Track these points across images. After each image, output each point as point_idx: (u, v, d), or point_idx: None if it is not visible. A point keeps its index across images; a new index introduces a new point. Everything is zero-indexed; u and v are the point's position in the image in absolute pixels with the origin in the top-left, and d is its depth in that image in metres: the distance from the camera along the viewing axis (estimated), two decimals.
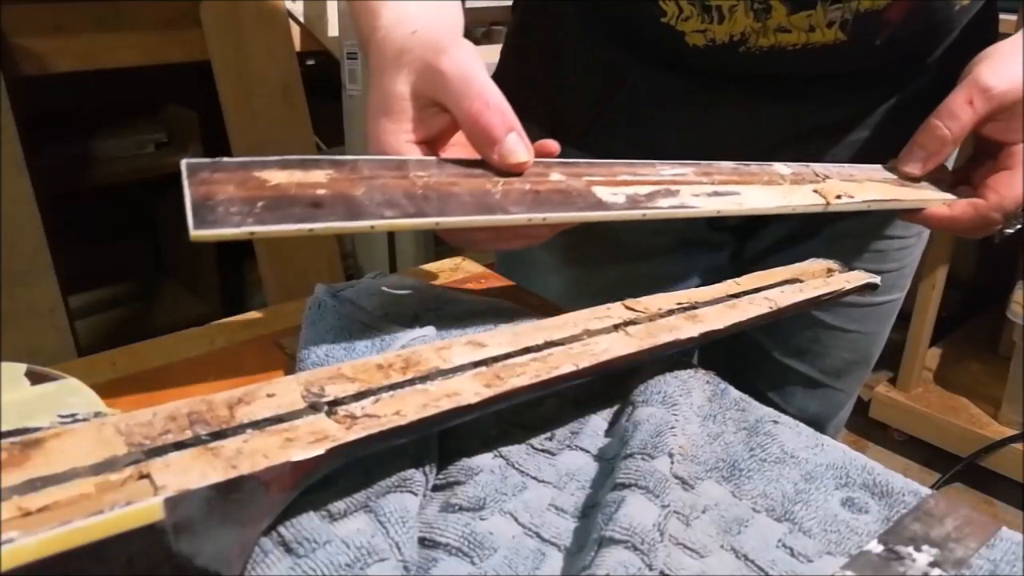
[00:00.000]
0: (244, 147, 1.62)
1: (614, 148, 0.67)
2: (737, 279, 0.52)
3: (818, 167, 0.58)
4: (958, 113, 0.55)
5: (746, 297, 0.49)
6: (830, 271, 0.56)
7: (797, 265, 0.56)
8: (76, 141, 1.74)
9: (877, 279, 0.56)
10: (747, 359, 0.76)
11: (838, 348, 0.76)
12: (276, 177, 0.39)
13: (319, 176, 0.41)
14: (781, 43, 0.58)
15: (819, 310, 0.72)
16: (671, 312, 0.46)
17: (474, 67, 0.46)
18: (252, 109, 1.64)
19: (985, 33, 0.66)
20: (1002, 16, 0.71)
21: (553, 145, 0.49)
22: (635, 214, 0.47)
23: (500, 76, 0.76)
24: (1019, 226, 0.57)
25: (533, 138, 0.71)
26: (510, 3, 0.76)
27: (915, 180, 0.59)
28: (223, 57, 1.59)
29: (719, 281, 0.51)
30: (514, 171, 0.45)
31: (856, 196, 0.55)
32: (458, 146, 0.50)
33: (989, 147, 0.58)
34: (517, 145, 0.45)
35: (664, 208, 0.48)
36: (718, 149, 0.64)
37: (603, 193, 0.47)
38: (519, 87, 0.74)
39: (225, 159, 0.39)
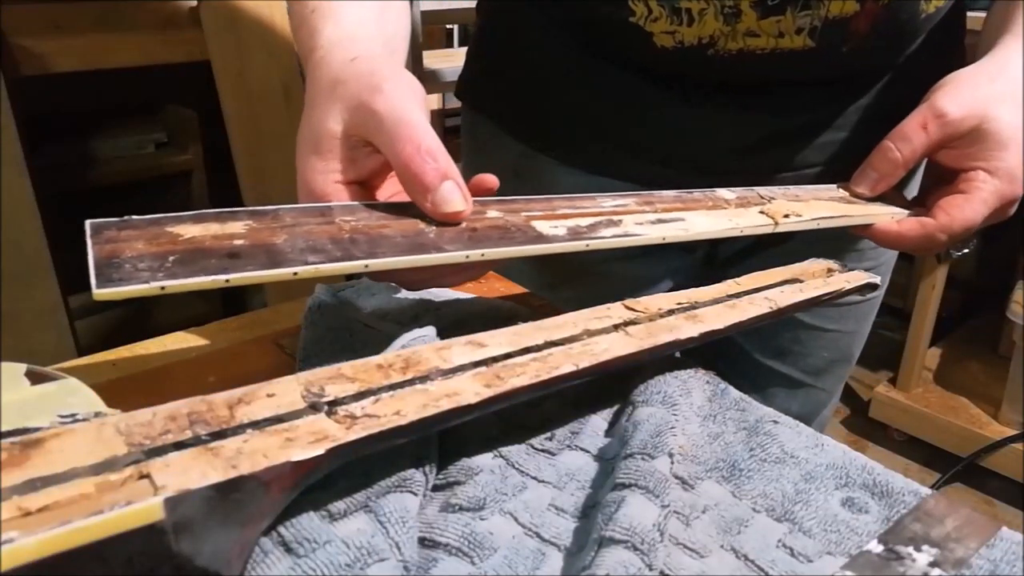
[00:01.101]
0: (244, 147, 1.62)
1: (582, 148, 0.68)
2: (737, 279, 0.52)
3: (762, 190, 0.58)
4: (911, 137, 0.55)
5: (746, 297, 0.49)
6: (830, 271, 0.56)
7: (796, 265, 0.56)
8: (76, 141, 1.73)
9: (877, 279, 0.56)
10: (727, 361, 0.77)
11: (819, 348, 0.77)
12: (190, 231, 0.38)
13: (236, 227, 0.39)
14: (750, 47, 0.59)
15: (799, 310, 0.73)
16: (671, 312, 0.46)
17: (408, 108, 0.43)
18: (252, 109, 1.63)
19: (953, 33, 0.67)
20: (970, 14, 0.71)
21: (491, 180, 0.47)
22: (577, 245, 0.45)
23: (466, 78, 0.76)
24: (967, 249, 0.59)
25: (502, 144, 0.71)
26: (469, 5, 0.76)
27: (865, 200, 0.59)
28: (223, 57, 1.59)
29: (691, 285, 0.51)
30: (449, 220, 0.43)
31: (804, 215, 0.55)
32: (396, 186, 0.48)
33: (943, 173, 0.58)
34: (452, 193, 0.42)
35: (607, 238, 0.47)
36: (687, 151, 0.65)
37: (543, 227, 0.45)
38: (485, 87, 0.74)
39: (135, 217, 0.38)
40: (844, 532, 0.37)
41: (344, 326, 0.51)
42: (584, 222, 0.47)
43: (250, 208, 0.41)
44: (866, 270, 0.72)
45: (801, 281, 0.53)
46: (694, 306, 0.47)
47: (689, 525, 0.37)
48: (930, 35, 0.64)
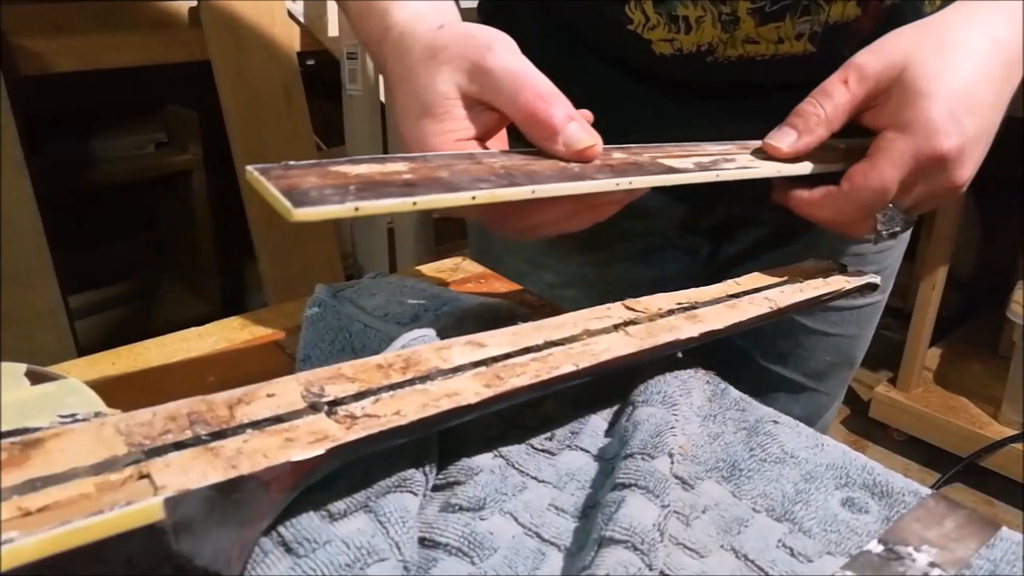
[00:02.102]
0: (244, 147, 1.62)
1: None
2: (737, 279, 0.52)
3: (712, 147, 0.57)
4: (831, 92, 0.51)
5: (746, 297, 0.49)
6: (830, 271, 0.56)
7: (796, 265, 0.56)
8: (76, 141, 1.74)
9: (877, 279, 0.56)
10: (728, 364, 0.77)
11: (820, 352, 0.76)
12: (355, 170, 0.38)
13: (398, 167, 0.40)
14: (749, 53, 0.58)
15: (801, 314, 0.72)
16: (671, 312, 0.46)
17: (520, 61, 0.45)
18: (252, 109, 1.63)
19: None
20: None
21: (587, 113, 0.48)
22: (708, 176, 0.46)
23: None
24: (897, 229, 0.52)
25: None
26: (471, 4, 0.76)
27: (783, 160, 0.53)
28: (223, 57, 1.59)
29: (691, 287, 0.51)
30: (584, 159, 0.44)
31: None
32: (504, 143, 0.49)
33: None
34: (581, 132, 0.44)
35: (731, 169, 0.48)
36: None
37: (670, 161, 0.47)
38: None
39: (292, 163, 0.38)
40: (844, 532, 0.37)
41: (344, 326, 0.51)
42: (704, 158, 0.48)
43: (400, 155, 0.42)
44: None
45: (801, 281, 0.53)
46: (694, 306, 0.47)
47: (689, 525, 0.37)
48: None
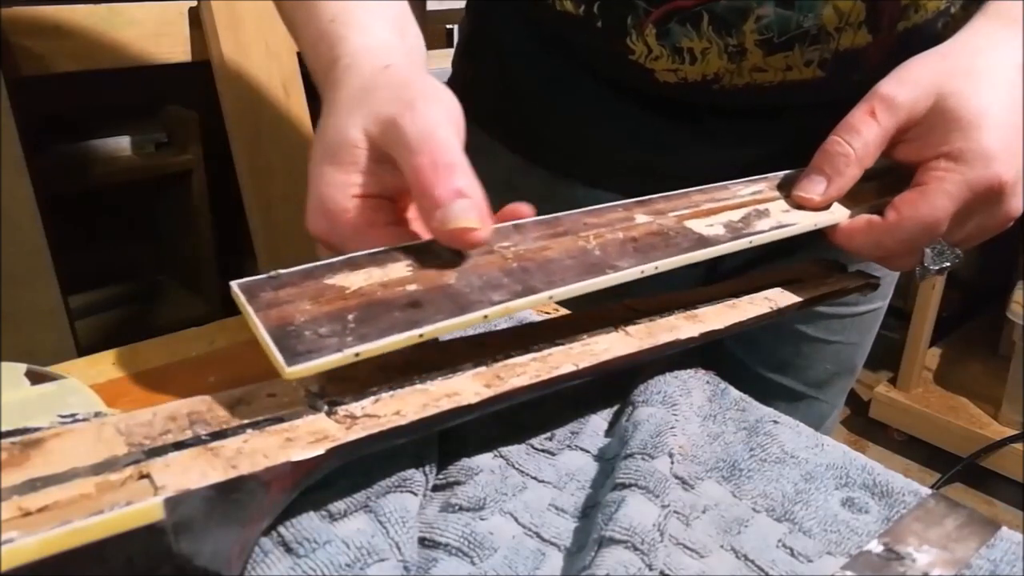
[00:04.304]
0: (244, 147, 1.62)
1: (578, 163, 0.66)
2: (737, 279, 0.52)
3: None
4: (859, 127, 0.47)
5: (746, 297, 0.49)
6: (829, 271, 0.56)
7: (797, 265, 0.56)
8: (76, 141, 1.73)
9: (878, 277, 0.56)
10: (727, 374, 0.76)
11: (821, 360, 0.74)
12: (352, 281, 0.35)
13: (400, 270, 0.37)
14: (757, 81, 0.56)
15: (801, 322, 0.71)
16: (671, 312, 0.46)
17: (436, 126, 0.40)
18: (252, 109, 1.63)
19: None
20: None
21: (524, 210, 0.44)
22: (741, 243, 0.44)
23: (454, 85, 0.75)
24: (947, 264, 0.49)
25: (496, 155, 0.68)
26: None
27: (815, 209, 0.49)
28: (223, 57, 1.59)
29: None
30: (458, 242, 0.38)
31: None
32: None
33: (909, 176, 0.50)
34: (463, 211, 0.38)
35: (766, 231, 0.45)
36: (687, 170, 0.61)
37: (699, 227, 0.44)
38: (477, 97, 0.73)
39: (281, 271, 0.35)
40: (844, 532, 0.37)
41: None
42: (735, 216, 0.46)
43: (401, 246, 0.38)
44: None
45: (801, 281, 0.53)
46: (694, 306, 0.47)
47: (689, 525, 0.37)
48: None
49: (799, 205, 0.49)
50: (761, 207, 0.48)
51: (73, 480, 0.29)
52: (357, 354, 0.32)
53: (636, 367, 0.45)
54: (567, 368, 0.39)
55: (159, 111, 1.88)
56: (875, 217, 0.48)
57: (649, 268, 0.40)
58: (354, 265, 0.36)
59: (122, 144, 1.79)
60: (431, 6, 1.80)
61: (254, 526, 0.31)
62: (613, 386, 0.45)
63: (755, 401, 0.47)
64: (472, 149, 0.74)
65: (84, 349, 1.49)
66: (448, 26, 2.34)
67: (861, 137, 0.47)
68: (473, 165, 0.73)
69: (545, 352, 0.40)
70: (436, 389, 0.36)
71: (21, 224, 1.34)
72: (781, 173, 0.52)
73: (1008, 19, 0.49)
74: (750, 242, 0.44)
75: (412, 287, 0.36)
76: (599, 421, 0.44)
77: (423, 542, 0.34)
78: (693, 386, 0.45)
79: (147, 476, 0.29)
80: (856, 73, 0.56)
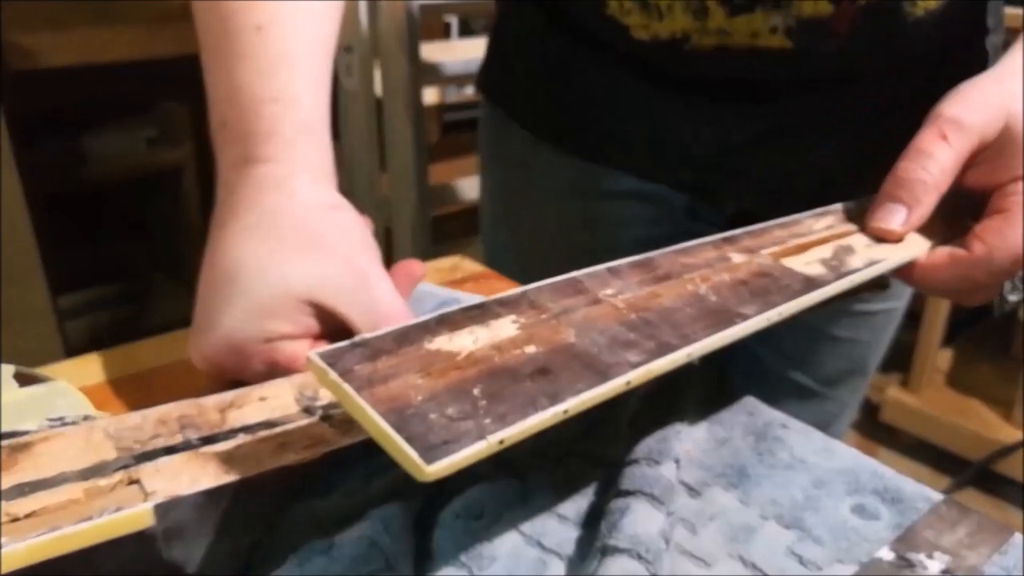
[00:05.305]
0: None
1: (578, 137, 0.68)
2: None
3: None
4: (932, 151, 0.45)
5: None
6: None
7: None
8: (67, 138, 1.73)
9: (887, 279, 0.55)
10: (737, 367, 0.75)
11: (831, 356, 0.74)
12: (458, 344, 0.31)
13: (507, 328, 0.32)
14: (727, 44, 0.57)
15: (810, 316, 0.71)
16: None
17: (393, 299, 0.40)
18: None
19: (968, 33, 0.63)
20: (1008, 10, 0.66)
21: (416, 266, 0.44)
22: (844, 283, 0.42)
23: (483, 69, 0.77)
24: (1021, 297, 0.47)
25: (512, 134, 0.71)
26: None
27: (896, 240, 0.47)
28: None
29: None
30: None
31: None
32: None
33: (979, 202, 0.48)
34: None
35: (862, 268, 0.43)
36: (676, 145, 0.64)
37: (798, 265, 0.43)
38: (497, 78, 0.75)
39: (365, 337, 0.30)
40: (854, 539, 0.36)
41: None
42: (826, 253, 0.44)
43: (494, 298, 0.34)
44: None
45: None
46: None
47: (695, 533, 0.36)
48: (935, 36, 0.60)
49: (878, 238, 0.47)
50: (844, 242, 0.46)
51: (62, 485, 0.28)
52: (502, 441, 0.27)
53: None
54: None
55: (151, 108, 1.88)
56: (958, 250, 0.46)
57: (774, 315, 0.37)
58: (452, 325, 0.32)
59: (113, 141, 1.78)
60: None
61: (247, 534, 0.30)
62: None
63: (764, 405, 0.46)
64: (495, 128, 0.76)
65: (76, 350, 1.49)
66: (446, 20, 2.33)
67: (936, 162, 0.45)
68: (496, 143, 0.74)
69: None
70: None
71: (9, 223, 1.34)
72: (844, 204, 0.50)
73: None
74: (851, 282, 0.42)
75: (532, 349, 0.31)
76: (602, 426, 0.43)
77: (421, 552, 0.34)
78: (701, 389, 0.44)
79: (137, 481, 0.28)
80: (824, 45, 0.56)
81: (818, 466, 0.41)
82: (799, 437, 0.43)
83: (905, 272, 0.47)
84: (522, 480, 0.39)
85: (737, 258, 0.42)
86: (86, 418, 0.31)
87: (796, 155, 0.64)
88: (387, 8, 1.57)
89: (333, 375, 0.27)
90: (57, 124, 1.73)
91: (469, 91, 2.29)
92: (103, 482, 0.28)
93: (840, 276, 0.42)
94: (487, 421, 0.27)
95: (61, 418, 0.31)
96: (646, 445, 0.38)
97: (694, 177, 0.66)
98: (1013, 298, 0.48)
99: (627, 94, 0.64)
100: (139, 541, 0.27)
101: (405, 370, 0.28)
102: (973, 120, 0.45)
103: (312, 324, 0.39)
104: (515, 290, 0.35)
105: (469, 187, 1.83)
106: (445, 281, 0.64)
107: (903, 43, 0.59)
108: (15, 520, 0.27)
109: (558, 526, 0.36)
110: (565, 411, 0.29)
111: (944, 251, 0.46)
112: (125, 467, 0.29)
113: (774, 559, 0.35)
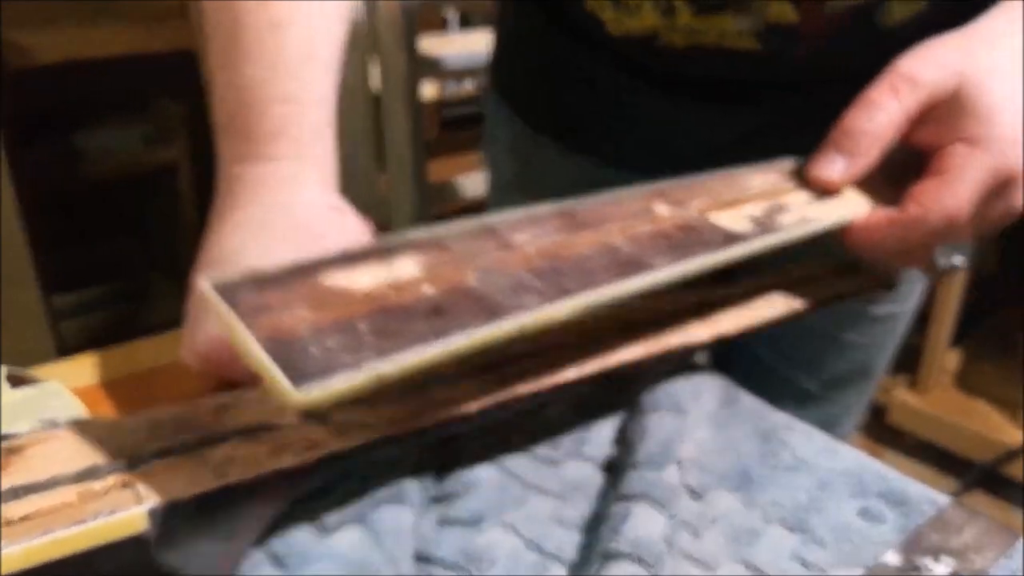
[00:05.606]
0: None
1: (570, 131, 0.68)
2: (750, 279, 0.51)
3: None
4: (881, 102, 0.45)
5: (761, 298, 0.48)
6: (844, 270, 0.54)
7: (810, 263, 0.55)
8: (61, 136, 1.73)
9: (894, 279, 0.54)
10: (736, 365, 0.75)
11: (834, 358, 0.73)
12: (355, 281, 0.30)
13: (409, 268, 0.32)
14: (697, 43, 0.56)
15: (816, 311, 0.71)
16: (681, 313, 0.45)
17: None
18: None
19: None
20: None
21: None
22: (769, 240, 0.41)
23: (491, 61, 0.77)
24: (955, 264, 0.47)
25: (514, 126, 0.71)
26: None
27: (833, 190, 0.47)
28: None
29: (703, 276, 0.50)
30: None
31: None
32: None
33: (924, 161, 0.47)
34: None
35: (792, 227, 0.43)
36: (662, 142, 0.64)
37: (724, 221, 0.42)
38: (501, 69, 0.76)
39: (261, 269, 0.29)
40: (859, 542, 0.36)
41: None
42: (756, 210, 0.44)
43: (404, 237, 0.34)
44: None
45: (816, 280, 0.51)
46: (706, 307, 0.46)
47: (698, 536, 0.36)
48: (919, 39, 0.59)
49: (818, 191, 0.47)
50: (780, 200, 0.46)
51: (55, 488, 0.28)
52: (380, 375, 0.26)
53: (644, 371, 0.43)
54: (571, 373, 0.38)
55: (146, 105, 1.87)
56: (894, 211, 0.45)
57: (684, 268, 0.37)
58: (353, 261, 0.31)
59: (108, 139, 1.77)
60: None
61: (242, 538, 0.30)
62: (619, 391, 0.44)
63: (769, 406, 0.45)
64: (498, 120, 0.77)
65: (71, 350, 1.49)
66: (444, 16, 2.32)
67: (884, 113, 0.45)
68: (498, 137, 0.74)
69: (548, 356, 0.39)
70: (433, 396, 0.34)
71: (1, 222, 1.33)
72: (790, 159, 0.50)
73: None
74: (779, 238, 0.42)
75: (428, 289, 0.31)
76: (605, 428, 0.43)
77: (419, 556, 0.33)
78: (704, 391, 0.44)
79: (130, 485, 0.28)
80: (796, 49, 0.55)
81: (822, 468, 0.41)
82: (802, 438, 0.43)
83: (841, 234, 0.47)
84: (522, 484, 0.38)
85: (663, 210, 0.41)
86: (80, 420, 0.31)
87: (775, 150, 0.64)
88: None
89: (218, 301, 0.27)
90: (51, 122, 1.72)
91: (468, 86, 2.28)
92: (97, 485, 0.28)
93: (765, 234, 0.41)
94: (368, 354, 0.26)
95: (54, 420, 0.31)
96: (649, 448, 0.38)
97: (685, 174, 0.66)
98: (945, 262, 0.47)
99: (619, 92, 0.64)
100: (133, 546, 0.27)
101: (295, 304, 0.28)
102: (927, 77, 0.45)
103: None
104: (426, 230, 0.34)
105: (469, 184, 1.82)
106: None
107: (882, 48, 0.58)
108: (9, 523, 0.26)
109: (559, 530, 0.36)
110: (451, 349, 0.28)
111: (881, 212, 0.46)
112: (119, 470, 0.29)
113: (778, 563, 0.35)
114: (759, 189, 0.46)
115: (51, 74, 1.46)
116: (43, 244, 1.40)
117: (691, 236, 0.39)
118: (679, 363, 0.45)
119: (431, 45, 1.74)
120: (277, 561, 0.31)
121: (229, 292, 0.28)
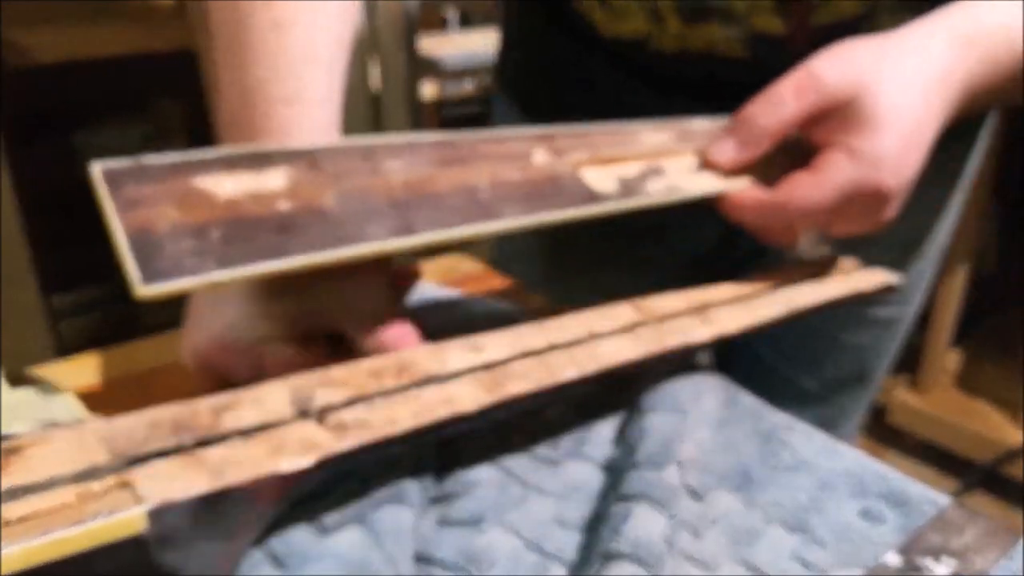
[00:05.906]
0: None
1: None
2: (751, 278, 0.50)
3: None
4: (783, 98, 0.47)
5: (762, 298, 0.48)
6: (848, 269, 0.54)
7: (812, 262, 0.54)
8: (62, 136, 1.72)
9: (895, 279, 0.54)
10: (735, 366, 0.75)
11: (834, 359, 0.73)
12: (224, 186, 0.32)
13: (276, 180, 0.33)
14: (687, 48, 0.57)
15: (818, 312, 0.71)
16: (681, 313, 0.45)
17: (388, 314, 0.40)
18: None
19: None
20: None
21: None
22: (627, 203, 0.43)
23: (496, 59, 0.78)
24: (825, 248, 0.50)
25: (514, 122, 0.72)
26: None
27: (722, 171, 0.49)
28: None
29: (704, 273, 0.49)
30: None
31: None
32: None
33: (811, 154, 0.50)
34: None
35: (655, 195, 0.44)
36: None
37: (591, 178, 0.43)
38: (503, 67, 0.76)
39: (151, 160, 0.31)
40: (860, 543, 0.36)
41: None
42: (630, 171, 0.45)
43: (286, 148, 0.35)
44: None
45: (819, 280, 0.51)
46: (706, 307, 0.46)
47: (699, 537, 0.36)
48: None
49: (708, 165, 0.49)
50: (661, 163, 0.47)
51: (53, 489, 0.28)
52: (214, 283, 0.30)
53: (644, 371, 0.43)
54: (571, 373, 0.38)
55: (146, 105, 1.87)
56: (764, 195, 0.48)
57: (533, 220, 0.39)
58: (230, 165, 0.33)
59: (107, 139, 1.78)
60: None
61: (242, 538, 0.30)
62: (620, 391, 0.44)
63: (769, 407, 0.45)
64: (501, 116, 0.77)
65: (71, 350, 1.48)
66: (444, 16, 2.32)
67: (784, 110, 0.47)
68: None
69: (547, 356, 0.39)
70: (432, 395, 0.34)
71: (0, 222, 1.33)
72: (693, 119, 0.51)
73: (950, 31, 0.49)
74: (638, 202, 0.44)
75: (285, 205, 0.33)
76: (605, 429, 0.43)
77: (418, 557, 0.33)
78: (704, 391, 0.44)
79: (129, 485, 0.28)
80: (785, 57, 0.54)
81: (822, 468, 0.40)
82: (803, 439, 0.43)
83: (717, 204, 0.49)
84: (522, 484, 0.38)
85: (539, 158, 0.42)
86: (78, 420, 0.31)
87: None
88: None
89: (104, 189, 0.30)
90: (51, 122, 1.72)
91: (468, 86, 2.28)
92: (95, 486, 0.28)
93: (625, 197, 0.43)
94: (209, 261, 0.30)
95: (53, 420, 0.30)
96: (649, 449, 0.38)
97: None
98: (804, 250, 0.51)
99: (618, 91, 0.65)
100: (132, 546, 0.27)
101: (166, 200, 0.30)
102: (831, 81, 0.47)
103: (304, 326, 0.39)
104: (306, 144, 0.36)
105: None
106: (444, 281, 0.63)
107: None
108: (7, 524, 0.26)
109: (559, 531, 0.36)
110: (284, 268, 0.31)
111: (753, 191, 0.49)
112: (117, 470, 0.28)
113: (778, 563, 0.35)
114: (646, 148, 0.47)
115: (51, 74, 1.46)
116: (43, 244, 1.39)
117: (552, 189, 0.41)
118: (679, 363, 0.45)
119: (431, 45, 1.74)
120: (277, 561, 0.31)
121: (114, 180, 0.30)
